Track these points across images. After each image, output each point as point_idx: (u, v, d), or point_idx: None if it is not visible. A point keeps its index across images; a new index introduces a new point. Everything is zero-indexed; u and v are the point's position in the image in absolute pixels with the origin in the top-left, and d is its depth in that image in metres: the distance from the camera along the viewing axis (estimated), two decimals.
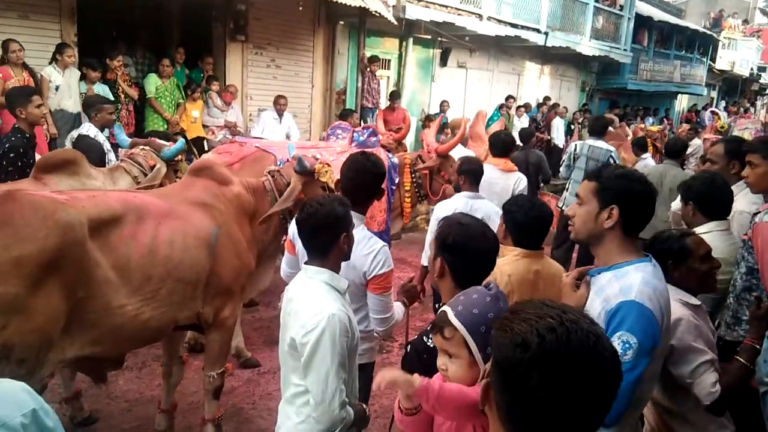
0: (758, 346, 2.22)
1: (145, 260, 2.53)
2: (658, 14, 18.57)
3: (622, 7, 16.08)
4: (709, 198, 2.96)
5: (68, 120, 6.30)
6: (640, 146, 7.92)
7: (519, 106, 12.53)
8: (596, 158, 6.09)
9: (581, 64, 16.49)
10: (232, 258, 2.98)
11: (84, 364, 2.60)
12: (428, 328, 1.81)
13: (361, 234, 2.43)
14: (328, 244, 2.05)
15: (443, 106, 11.31)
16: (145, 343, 2.91)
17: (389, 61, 11.45)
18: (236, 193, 3.16)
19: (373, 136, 5.06)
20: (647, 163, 7.58)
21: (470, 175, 3.94)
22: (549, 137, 12.76)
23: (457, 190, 4.10)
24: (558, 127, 13.04)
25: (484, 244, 1.93)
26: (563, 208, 6.16)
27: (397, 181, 4.96)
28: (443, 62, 12.39)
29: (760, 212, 2.63)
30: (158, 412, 3.27)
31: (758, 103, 24.84)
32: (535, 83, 15.24)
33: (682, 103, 22.61)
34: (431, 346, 1.73)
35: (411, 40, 11.24)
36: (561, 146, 12.85)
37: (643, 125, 14.12)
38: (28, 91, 4.42)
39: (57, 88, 6.23)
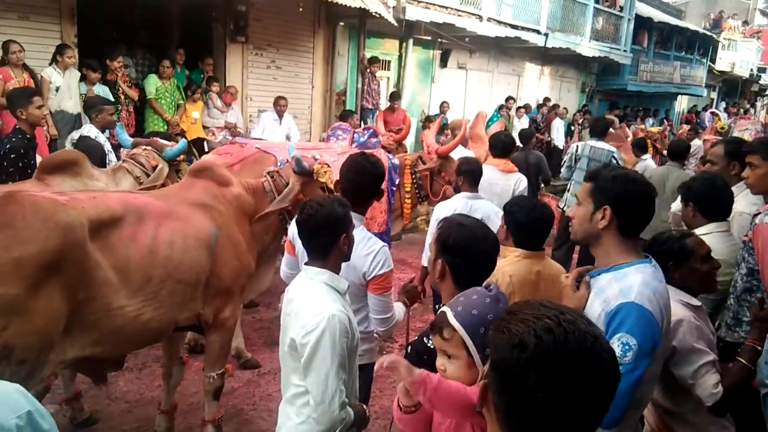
0: (760, 348, 2.22)
1: (146, 261, 2.53)
2: (658, 15, 18.58)
3: (622, 8, 16.09)
4: (710, 199, 2.96)
5: (68, 121, 6.30)
6: (640, 147, 7.93)
7: (519, 107, 12.54)
8: (598, 159, 6.11)
9: (581, 65, 16.50)
10: (232, 259, 2.98)
11: (84, 364, 2.60)
12: (428, 329, 1.81)
13: (361, 234, 2.43)
14: (328, 245, 2.06)
15: (443, 107, 11.31)
16: (146, 344, 2.92)
17: (389, 62, 11.46)
18: (236, 194, 3.16)
19: (374, 137, 5.06)
20: (647, 164, 7.58)
21: (469, 175, 3.95)
22: (549, 138, 12.77)
23: (457, 190, 4.11)
24: (558, 128, 13.05)
25: (484, 245, 1.93)
26: (564, 208, 6.17)
27: (397, 182, 4.96)
28: (443, 63, 12.40)
29: (760, 213, 2.63)
30: (158, 413, 3.27)
31: (758, 104, 24.85)
32: (535, 84, 15.25)
33: (682, 104, 22.62)
34: (431, 347, 1.73)
35: (411, 41, 11.25)
36: (561, 147, 12.87)
37: (643, 126, 14.12)
38: (28, 92, 4.42)
39: (57, 89, 6.23)
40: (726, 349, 2.50)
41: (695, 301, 2.25)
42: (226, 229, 2.97)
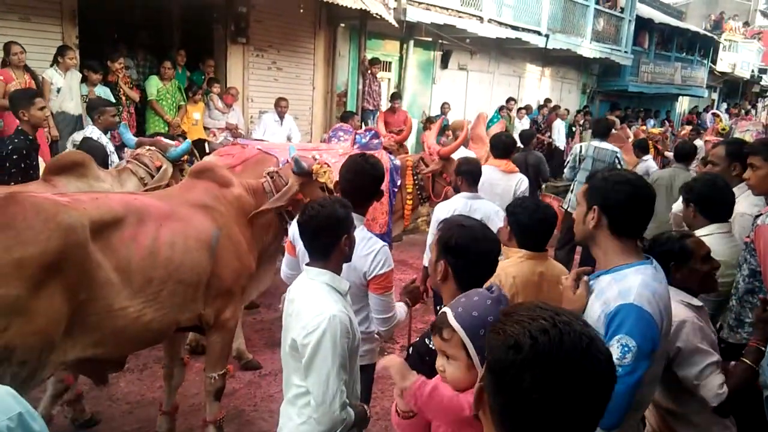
0: (763, 348, 2.22)
1: (147, 262, 2.54)
2: (658, 16, 18.58)
3: (622, 10, 16.09)
4: (711, 200, 2.96)
5: (70, 122, 6.31)
6: (641, 148, 7.93)
7: (520, 109, 12.55)
8: (602, 159, 6.14)
9: (582, 67, 16.50)
10: (232, 260, 2.98)
11: (85, 365, 2.60)
12: (429, 330, 1.81)
13: (361, 235, 2.43)
14: (329, 246, 2.06)
15: (444, 108, 11.32)
16: (147, 345, 2.92)
17: (390, 63, 11.47)
18: (237, 195, 3.16)
19: (376, 138, 5.06)
20: (648, 165, 7.59)
21: (468, 175, 3.96)
22: (550, 139, 12.78)
23: (456, 190, 4.11)
24: (559, 129, 13.07)
25: (486, 246, 1.93)
26: (568, 209, 6.19)
27: (399, 183, 4.96)
28: (444, 64, 12.40)
29: (762, 214, 2.62)
30: (159, 414, 3.27)
31: (759, 105, 24.81)
32: (536, 85, 15.25)
33: (682, 105, 22.61)
34: (433, 348, 1.73)
35: (412, 42, 11.25)
36: (562, 148, 12.88)
37: (644, 127, 14.12)
38: (30, 93, 4.43)
39: (58, 91, 6.24)
40: (728, 350, 2.49)
41: (697, 302, 2.25)
42: (227, 230, 2.97)
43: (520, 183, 4.90)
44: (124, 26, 8.87)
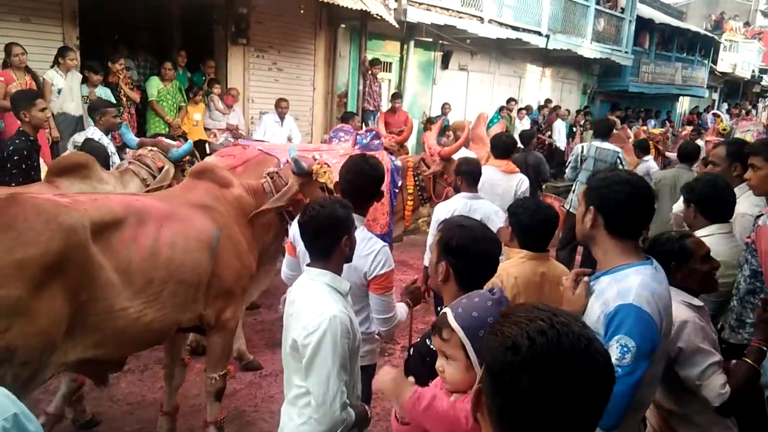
0: (765, 348, 2.21)
1: (147, 263, 2.54)
2: (659, 17, 18.58)
3: (623, 10, 16.09)
4: (711, 200, 2.96)
5: (70, 123, 6.31)
6: (642, 148, 7.93)
7: (520, 109, 12.55)
8: (604, 159, 6.15)
9: (582, 67, 16.49)
10: (233, 260, 2.99)
11: (86, 366, 2.60)
12: (430, 330, 1.81)
13: (362, 235, 2.42)
14: (330, 246, 2.06)
15: (445, 108, 11.32)
16: (148, 346, 2.92)
17: (391, 64, 11.47)
18: (237, 195, 3.17)
19: (377, 139, 5.06)
20: (649, 166, 7.59)
21: (468, 175, 3.96)
22: (551, 139, 12.78)
23: (456, 190, 4.11)
24: (559, 129, 13.07)
25: (487, 246, 1.93)
26: (570, 209, 6.19)
27: (400, 184, 4.96)
28: (444, 65, 12.41)
29: (763, 215, 2.62)
30: (160, 415, 3.26)
31: (760, 105, 24.84)
32: (537, 86, 15.25)
33: (683, 105, 22.60)
34: (434, 348, 1.73)
35: (412, 43, 11.26)
36: (562, 149, 12.88)
37: (644, 127, 14.12)
38: (31, 94, 4.45)
39: (59, 92, 6.25)
40: (729, 351, 2.49)
41: (697, 302, 2.25)
42: (227, 231, 2.97)
43: (521, 183, 4.90)
44: (125, 27, 8.87)
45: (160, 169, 3.91)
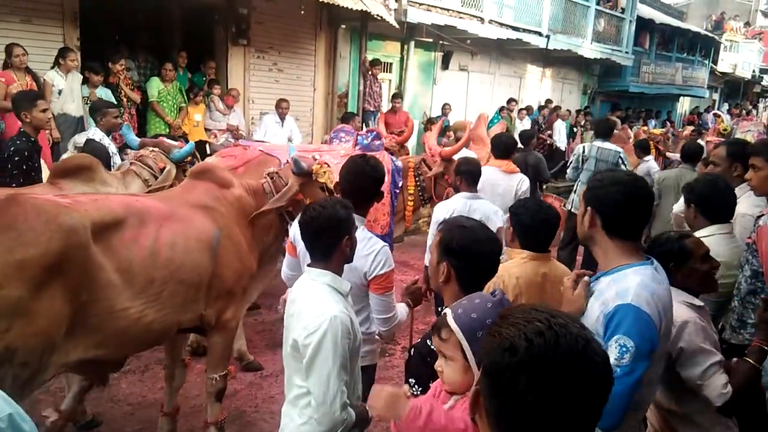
0: (766, 348, 2.21)
1: (148, 263, 2.54)
2: (659, 17, 18.58)
3: (623, 10, 16.09)
4: (712, 201, 2.96)
5: (71, 124, 6.32)
6: (642, 149, 7.93)
7: (521, 109, 12.55)
8: (605, 159, 6.15)
9: (583, 67, 16.49)
10: (233, 260, 2.99)
11: (86, 366, 2.60)
12: (431, 331, 1.81)
13: (361, 235, 2.42)
14: (330, 247, 2.06)
15: (445, 109, 11.32)
16: (149, 346, 2.92)
17: (391, 64, 11.47)
18: (237, 195, 3.17)
19: (377, 139, 5.06)
20: (650, 166, 7.59)
21: (468, 175, 3.97)
22: (551, 139, 12.78)
23: (456, 190, 4.11)
24: (560, 129, 13.07)
25: (487, 246, 1.93)
26: (572, 209, 6.19)
27: (400, 184, 4.96)
28: (445, 65, 12.41)
29: (763, 215, 2.62)
30: (161, 416, 3.26)
31: (760, 105, 24.82)
32: (537, 86, 15.25)
33: (684, 105, 22.60)
34: (434, 349, 1.73)
35: (413, 43, 11.26)
36: (563, 149, 12.88)
37: (645, 128, 14.12)
38: (32, 95, 4.45)
39: (60, 92, 6.25)
40: (730, 351, 2.49)
41: (698, 302, 2.25)
42: (227, 231, 2.97)
43: (521, 183, 4.90)
44: (125, 28, 8.87)
45: (162, 170, 3.91)
